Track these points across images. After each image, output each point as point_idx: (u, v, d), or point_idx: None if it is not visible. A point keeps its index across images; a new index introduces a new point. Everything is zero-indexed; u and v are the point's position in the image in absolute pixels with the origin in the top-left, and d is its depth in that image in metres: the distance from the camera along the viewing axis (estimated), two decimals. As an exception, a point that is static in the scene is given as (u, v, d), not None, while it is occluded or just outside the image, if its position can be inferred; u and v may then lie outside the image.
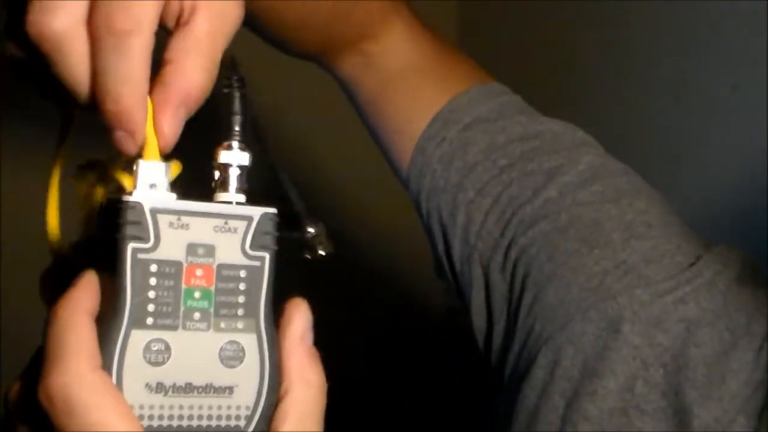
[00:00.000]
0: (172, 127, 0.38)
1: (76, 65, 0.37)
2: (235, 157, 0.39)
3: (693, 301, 0.56)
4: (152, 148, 0.38)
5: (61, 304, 0.37)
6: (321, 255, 0.43)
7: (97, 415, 0.35)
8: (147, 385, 0.37)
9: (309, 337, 0.40)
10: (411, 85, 0.67)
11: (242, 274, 0.38)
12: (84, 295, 0.38)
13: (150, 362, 0.37)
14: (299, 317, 0.40)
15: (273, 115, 0.77)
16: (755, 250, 0.62)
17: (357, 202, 1.57)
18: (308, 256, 0.43)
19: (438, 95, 0.66)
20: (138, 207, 0.37)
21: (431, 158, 0.64)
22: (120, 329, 0.37)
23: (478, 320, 0.64)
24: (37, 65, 0.38)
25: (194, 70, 0.38)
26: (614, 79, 1.26)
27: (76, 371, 0.36)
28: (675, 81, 1.15)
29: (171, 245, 0.37)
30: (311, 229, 0.43)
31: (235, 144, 0.39)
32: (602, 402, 0.55)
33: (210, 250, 0.38)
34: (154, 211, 0.37)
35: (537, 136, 0.64)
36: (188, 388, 0.38)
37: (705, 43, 1.10)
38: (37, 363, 0.37)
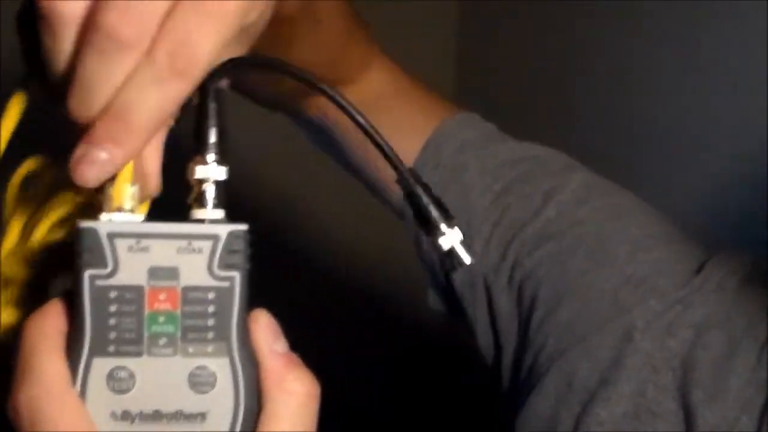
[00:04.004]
0: (158, 160, 0.37)
1: (120, 71, 0.34)
2: (211, 171, 0.37)
3: (702, 305, 0.57)
4: (127, 170, 0.36)
5: (29, 323, 0.36)
6: (462, 265, 0.40)
7: (63, 427, 0.34)
8: (112, 413, 0.36)
9: (281, 345, 0.37)
10: (395, 111, 0.65)
11: (210, 296, 0.36)
12: (52, 315, 0.36)
13: (114, 390, 0.36)
14: (260, 330, 0.37)
15: (261, 122, 0.75)
16: (755, 250, 0.62)
17: (353, 210, 1.56)
18: (452, 269, 0.40)
19: (425, 120, 0.66)
20: (93, 232, 0.35)
21: None
22: (81, 358, 0.35)
23: (484, 341, 0.65)
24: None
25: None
26: (614, 79, 1.27)
27: (45, 385, 0.35)
28: (675, 81, 1.15)
29: (131, 270, 0.35)
30: (446, 239, 0.39)
31: (210, 158, 0.37)
32: (615, 406, 0.56)
33: (173, 272, 0.36)
34: (112, 236, 0.35)
35: (527, 160, 0.65)
36: (156, 416, 0.36)
37: (705, 43, 1.10)
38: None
